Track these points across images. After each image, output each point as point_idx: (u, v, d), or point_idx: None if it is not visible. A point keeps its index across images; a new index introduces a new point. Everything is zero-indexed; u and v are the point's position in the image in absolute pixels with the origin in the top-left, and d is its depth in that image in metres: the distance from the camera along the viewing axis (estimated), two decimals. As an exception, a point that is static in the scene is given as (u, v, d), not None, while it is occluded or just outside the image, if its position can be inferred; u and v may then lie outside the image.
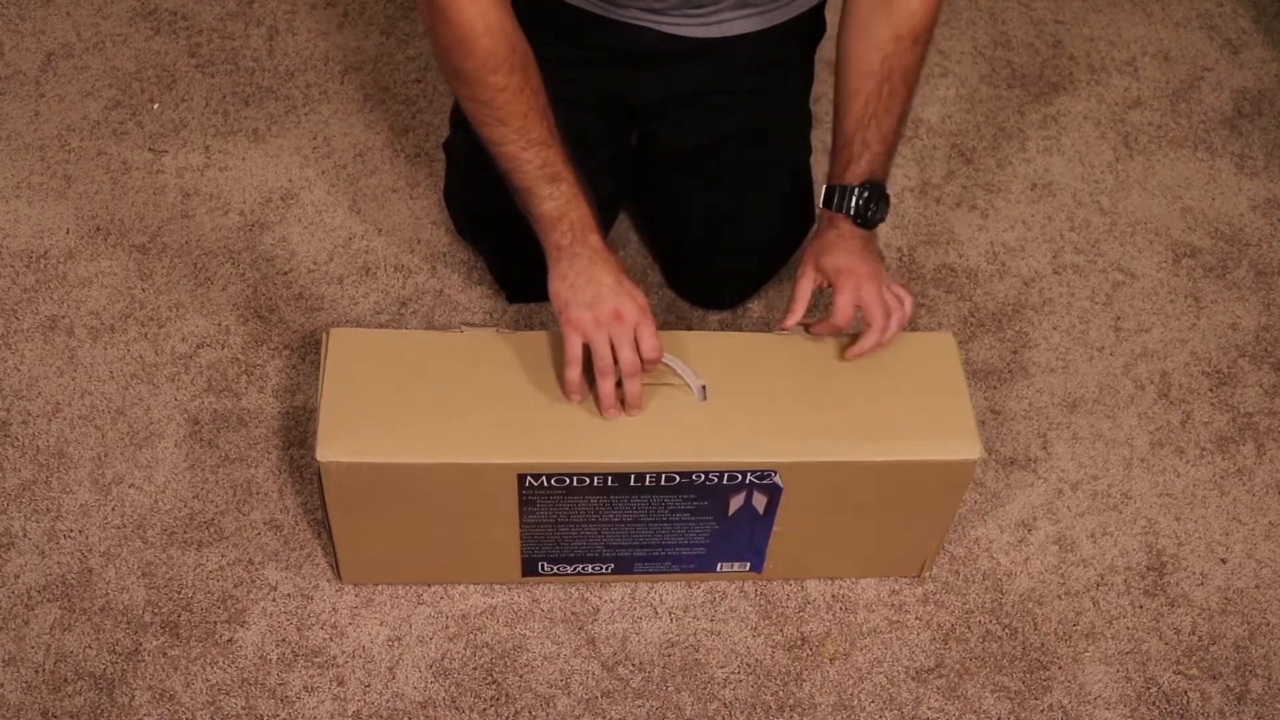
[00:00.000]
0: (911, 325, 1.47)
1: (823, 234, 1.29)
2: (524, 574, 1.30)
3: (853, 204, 1.26)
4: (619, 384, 1.20)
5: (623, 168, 1.51)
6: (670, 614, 1.32)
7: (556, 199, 1.19)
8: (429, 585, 1.31)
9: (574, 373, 1.20)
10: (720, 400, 1.21)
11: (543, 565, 1.29)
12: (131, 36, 1.78)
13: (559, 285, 1.20)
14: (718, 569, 1.32)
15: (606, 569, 1.30)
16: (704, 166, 1.47)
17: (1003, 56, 1.89)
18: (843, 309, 1.25)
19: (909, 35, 1.24)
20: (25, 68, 1.74)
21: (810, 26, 1.42)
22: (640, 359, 1.19)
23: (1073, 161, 1.76)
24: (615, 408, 1.20)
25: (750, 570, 1.32)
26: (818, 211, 1.31)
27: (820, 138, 1.72)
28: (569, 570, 1.30)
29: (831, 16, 1.49)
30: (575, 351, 1.19)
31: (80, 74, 1.73)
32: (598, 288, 1.18)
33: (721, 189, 1.48)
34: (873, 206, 1.26)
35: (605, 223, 1.57)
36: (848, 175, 1.27)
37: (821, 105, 1.77)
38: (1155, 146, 1.79)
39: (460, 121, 1.53)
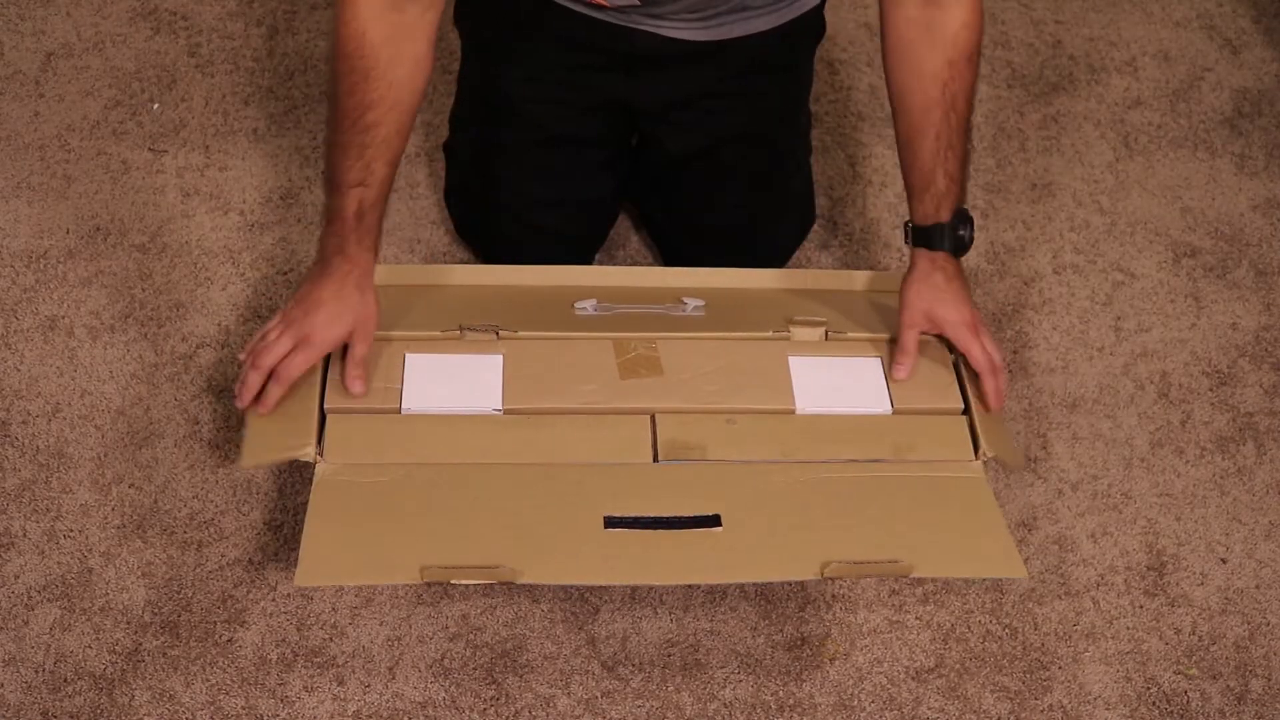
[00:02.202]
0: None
1: (927, 278, 1.26)
2: None
3: (952, 239, 1.25)
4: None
5: (622, 168, 1.51)
6: (670, 614, 1.32)
7: (331, 205, 1.19)
8: (429, 585, 1.31)
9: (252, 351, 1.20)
10: (739, 505, 1.17)
11: None
12: (131, 36, 1.78)
13: (306, 276, 1.22)
14: None
15: None
16: (704, 168, 1.47)
17: (1003, 56, 1.89)
18: (979, 358, 1.25)
19: (962, 57, 1.20)
20: (25, 68, 1.74)
21: (811, 27, 1.42)
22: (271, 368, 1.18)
23: (1073, 161, 1.76)
24: (243, 399, 1.19)
25: None
26: (908, 252, 1.28)
27: (820, 137, 1.73)
28: None
29: (832, 16, 1.49)
30: (260, 334, 1.21)
31: (80, 74, 1.73)
32: (311, 304, 1.19)
33: (722, 191, 1.48)
34: (964, 231, 1.25)
35: (605, 223, 1.58)
36: (940, 212, 1.24)
37: (821, 105, 1.77)
38: (1155, 146, 1.79)
39: (460, 121, 1.53)
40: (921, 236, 1.26)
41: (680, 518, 1.15)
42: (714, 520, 1.15)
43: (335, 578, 1.19)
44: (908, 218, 1.28)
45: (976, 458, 1.23)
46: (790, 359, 1.28)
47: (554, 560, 1.13)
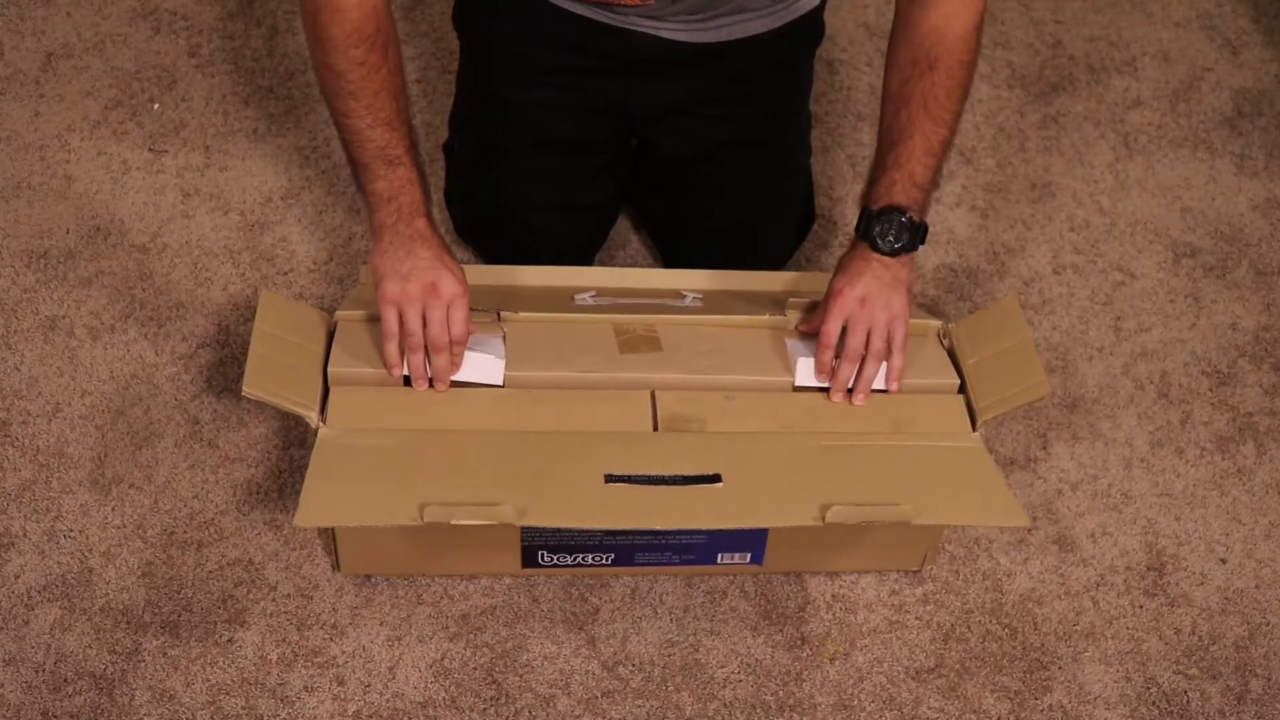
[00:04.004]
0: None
1: (847, 252, 1.27)
2: (524, 564, 1.30)
3: (864, 227, 1.24)
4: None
5: (622, 171, 1.51)
6: (670, 614, 1.32)
7: (390, 181, 1.20)
8: (429, 585, 1.31)
9: (391, 347, 1.22)
10: (739, 467, 1.18)
11: (543, 555, 1.29)
12: (131, 36, 1.78)
13: (378, 259, 1.21)
14: (718, 560, 1.32)
15: (606, 559, 1.30)
16: (704, 171, 1.47)
17: (1003, 56, 1.89)
18: (825, 330, 1.24)
19: (924, 60, 1.21)
20: (25, 68, 1.74)
21: (809, 30, 1.42)
22: (449, 337, 1.21)
23: (1073, 161, 1.76)
24: (424, 380, 1.23)
25: (751, 562, 1.32)
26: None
27: (820, 137, 1.73)
28: (569, 560, 1.30)
29: (832, 16, 1.49)
30: (391, 326, 1.20)
31: (80, 74, 1.73)
32: (415, 261, 1.20)
33: (721, 193, 1.48)
34: (891, 235, 1.22)
35: (605, 225, 1.58)
36: (869, 198, 1.25)
37: (821, 105, 1.77)
38: (1155, 146, 1.79)
39: (460, 123, 1.53)
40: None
41: (681, 476, 1.17)
42: (714, 478, 1.16)
43: (335, 519, 1.19)
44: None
45: (975, 431, 1.24)
46: (787, 341, 1.30)
47: (555, 506, 1.14)
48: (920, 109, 1.21)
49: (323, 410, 1.22)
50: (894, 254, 1.23)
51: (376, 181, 1.20)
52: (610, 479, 1.16)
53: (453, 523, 1.11)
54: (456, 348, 1.22)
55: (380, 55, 1.16)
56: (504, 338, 1.28)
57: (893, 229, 1.22)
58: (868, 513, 1.15)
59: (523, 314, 1.29)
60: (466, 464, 1.18)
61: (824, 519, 1.13)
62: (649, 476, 1.17)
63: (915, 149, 1.22)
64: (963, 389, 1.30)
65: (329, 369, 1.24)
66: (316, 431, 1.20)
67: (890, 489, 1.18)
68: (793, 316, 1.33)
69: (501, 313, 1.29)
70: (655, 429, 1.24)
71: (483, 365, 1.25)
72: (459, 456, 1.18)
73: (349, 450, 1.18)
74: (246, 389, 1.16)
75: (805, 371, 1.28)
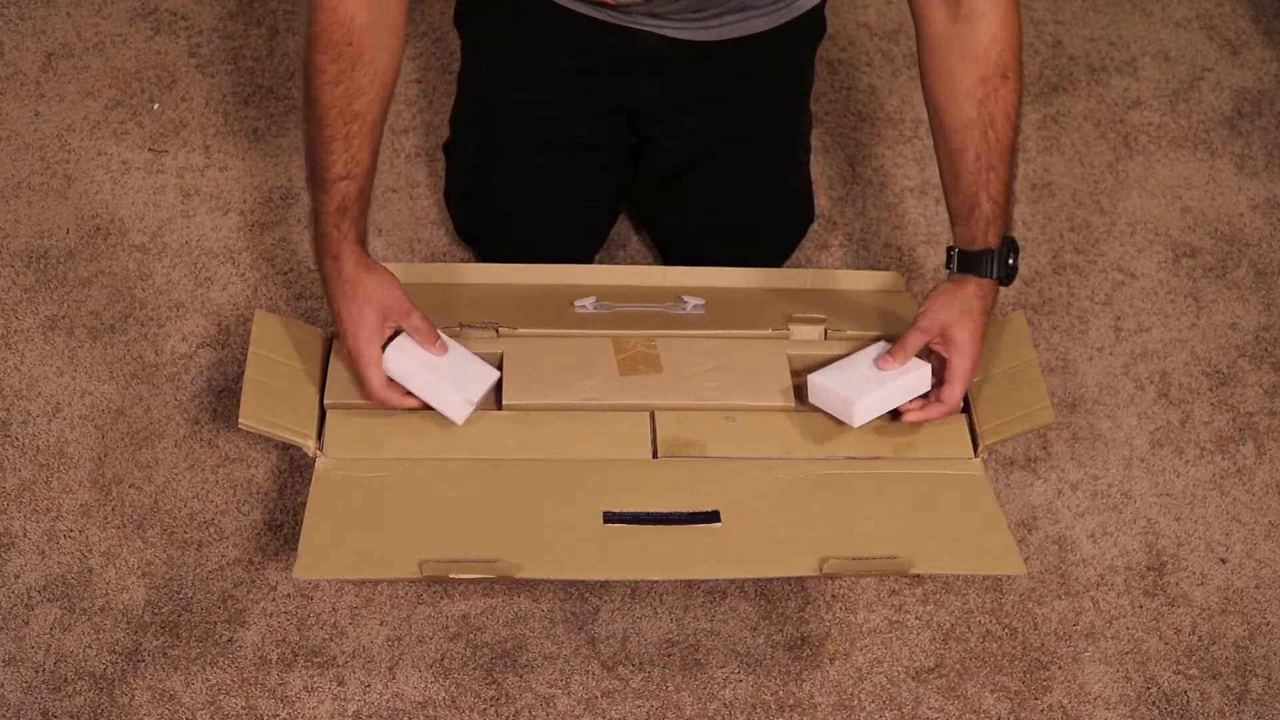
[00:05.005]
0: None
1: (963, 298, 1.20)
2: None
3: (1002, 268, 1.19)
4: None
5: (622, 171, 1.51)
6: (670, 614, 1.32)
7: (314, 201, 1.17)
8: (429, 585, 1.31)
9: (388, 397, 1.21)
10: (738, 503, 1.17)
11: None
12: (131, 36, 1.78)
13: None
14: None
15: None
16: (704, 170, 1.47)
17: (1003, 56, 1.88)
18: (954, 394, 1.21)
19: (996, 73, 1.16)
20: (25, 68, 1.74)
21: (811, 28, 1.42)
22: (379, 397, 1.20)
23: (1073, 161, 1.76)
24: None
25: None
26: (950, 274, 1.22)
27: (820, 137, 1.73)
28: None
29: (832, 16, 1.49)
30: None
31: (80, 74, 1.73)
32: (340, 321, 1.19)
33: (722, 192, 1.48)
34: (1013, 260, 1.20)
35: (605, 225, 1.58)
36: (989, 238, 1.19)
37: (821, 105, 1.77)
38: (1155, 146, 1.79)
39: (460, 123, 1.53)
40: (969, 262, 1.19)
41: (679, 513, 1.16)
42: (713, 516, 1.15)
43: (334, 571, 1.19)
44: (951, 242, 1.23)
45: (976, 455, 1.23)
46: (814, 379, 1.25)
47: (553, 555, 1.13)
48: (1005, 123, 1.17)
49: (320, 434, 1.20)
50: (1015, 277, 1.22)
51: (312, 200, 1.18)
52: (609, 518, 1.14)
53: (451, 576, 1.11)
54: (395, 400, 1.21)
55: (343, 69, 1.12)
56: (501, 357, 1.26)
57: (1014, 256, 1.20)
58: (864, 566, 1.15)
59: (521, 330, 1.28)
60: (464, 504, 1.16)
61: (820, 570, 1.12)
62: (648, 515, 1.15)
63: (1010, 168, 1.18)
64: (965, 408, 1.27)
65: (324, 399, 1.22)
66: (315, 461, 1.18)
67: (889, 528, 1.17)
68: (795, 330, 1.31)
69: (500, 328, 1.28)
70: (655, 453, 1.21)
71: (447, 399, 1.21)
72: (457, 493, 1.17)
73: (347, 486, 1.16)
74: (243, 421, 1.15)
75: (864, 411, 1.22)
